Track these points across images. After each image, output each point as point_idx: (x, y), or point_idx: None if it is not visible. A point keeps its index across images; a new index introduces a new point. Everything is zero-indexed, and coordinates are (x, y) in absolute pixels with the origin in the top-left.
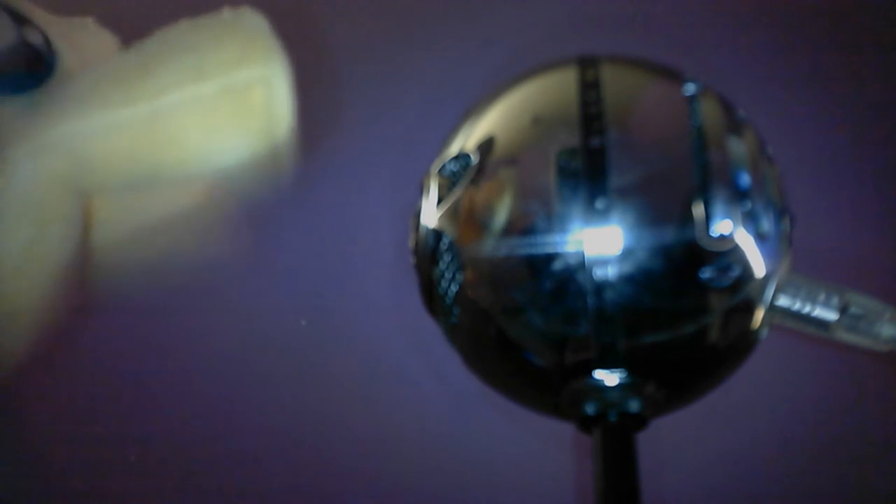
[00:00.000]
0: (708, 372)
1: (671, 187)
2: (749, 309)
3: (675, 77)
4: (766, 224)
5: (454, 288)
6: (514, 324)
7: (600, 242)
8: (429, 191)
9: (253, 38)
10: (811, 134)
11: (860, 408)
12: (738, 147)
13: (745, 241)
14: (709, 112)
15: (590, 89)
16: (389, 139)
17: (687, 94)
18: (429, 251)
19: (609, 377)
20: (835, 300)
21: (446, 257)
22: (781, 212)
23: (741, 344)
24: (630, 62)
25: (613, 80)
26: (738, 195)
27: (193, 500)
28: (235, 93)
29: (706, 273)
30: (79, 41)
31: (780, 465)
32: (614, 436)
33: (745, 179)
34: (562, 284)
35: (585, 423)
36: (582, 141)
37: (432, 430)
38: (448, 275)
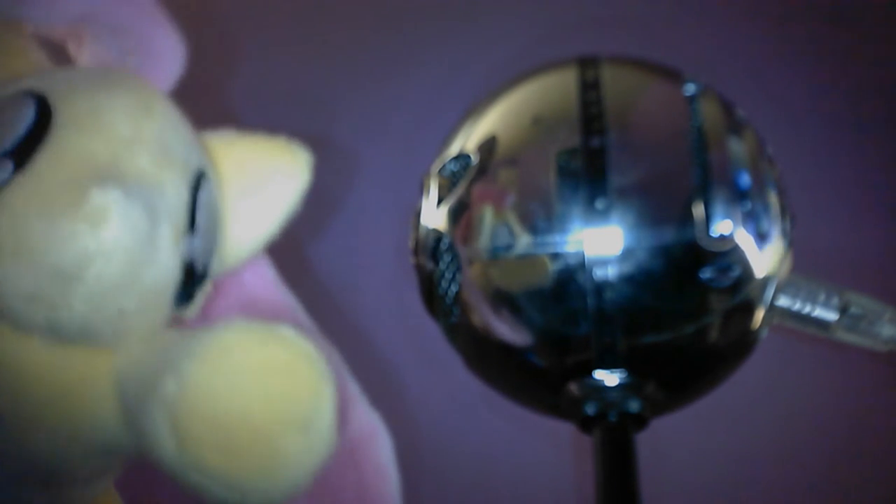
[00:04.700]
0: (708, 372)
1: (671, 187)
2: (749, 309)
3: (675, 77)
4: (766, 224)
5: (454, 288)
6: (514, 324)
7: (600, 242)
8: (429, 191)
9: None
10: (811, 134)
11: (860, 408)
12: (738, 147)
13: (745, 241)
14: (709, 112)
15: (590, 89)
16: (389, 139)
17: (687, 94)
18: (429, 251)
19: (609, 377)
20: (835, 300)
21: (446, 257)
22: (782, 212)
23: (741, 344)
24: (630, 62)
25: (613, 81)
26: (738, 195)
27: None
28: None
29: (706, 273)
30: None
31: (780, 465)
32: (614, 436)
33: (745, 179)
34: (562, 284)
35: (585, 423)
36: (582, 141)
37: (432, 430)
38: (448, 275)
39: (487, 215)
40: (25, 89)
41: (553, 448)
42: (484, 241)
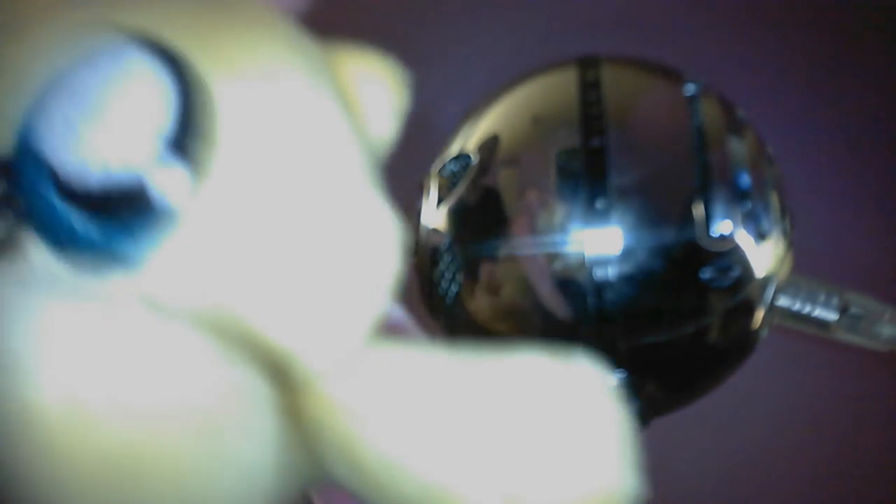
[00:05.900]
0: (708, 372)
1: (671, 187)
2: (749, 309)
3: (675, 77)
4: (766, 224)
5: (454, 288)
6: (515, 324)
7: (600, 242)
8: (429, 191)
9: None
10: (811, 134)
11: (860, 408)
12: (738, 147)
13: (745, 242)
14: (709, 112)
15: (590, 89)
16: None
17: (687, 95)
18: (429, 251)
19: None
20: (835, 300)
21: (446, 257)
22: (782, 212)
23: (741, 344)
24: (630, 62)
25: (614, 81)
26: (738, 195)
27: None
28: None
29: (706, 273)
30: None
31: (779, 465)
32: None
33: (745, 179)
34: (562, 284)
35: None
36: (582, 141)
37: None
38: (448, 275)
39: (489, 215)
40: (132, 35)
41: None
42: (483, 241)
